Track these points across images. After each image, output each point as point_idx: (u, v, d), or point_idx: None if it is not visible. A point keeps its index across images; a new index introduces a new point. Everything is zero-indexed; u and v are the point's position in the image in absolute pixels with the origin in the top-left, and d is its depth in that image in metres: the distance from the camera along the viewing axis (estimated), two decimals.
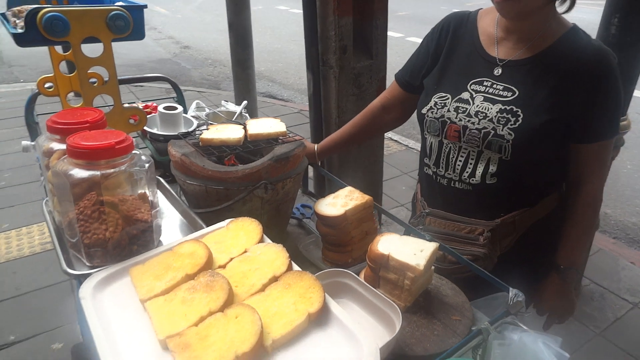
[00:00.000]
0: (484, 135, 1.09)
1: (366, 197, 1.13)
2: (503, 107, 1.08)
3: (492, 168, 1.12)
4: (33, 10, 1.04)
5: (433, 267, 1.02)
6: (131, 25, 1.16)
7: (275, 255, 0.82)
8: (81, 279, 0.83)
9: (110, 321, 0.73)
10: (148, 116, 1.67)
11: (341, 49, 2.21)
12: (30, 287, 2.44)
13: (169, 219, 1.13)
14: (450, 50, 1.21)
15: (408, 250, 0.96)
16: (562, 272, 1.20)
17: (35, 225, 2.96)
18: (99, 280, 0.81)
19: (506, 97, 1.09)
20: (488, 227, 1.14)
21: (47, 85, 1.49)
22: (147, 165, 0.89)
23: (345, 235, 1.11)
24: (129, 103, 1.73)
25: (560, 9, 1.09)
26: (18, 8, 1.26)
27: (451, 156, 1.18)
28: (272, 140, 1.18)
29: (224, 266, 0.83)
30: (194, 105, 1.87)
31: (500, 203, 1.15)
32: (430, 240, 1.01)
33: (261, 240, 0.88)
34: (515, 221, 1.16)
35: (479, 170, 1.13)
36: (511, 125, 1.06)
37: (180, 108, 1.59)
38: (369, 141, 2.34)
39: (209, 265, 0.81)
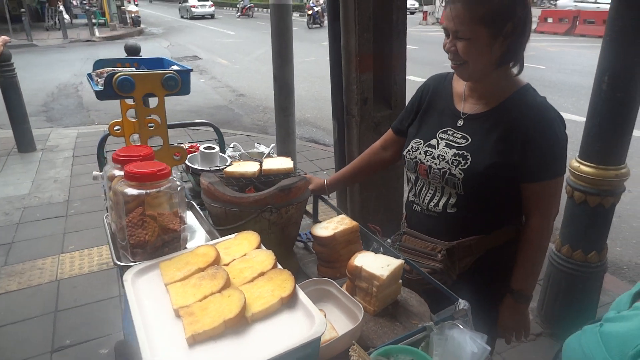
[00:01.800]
0: (442, 173, 1.34)
1: (353, 223, 1.38)
2: (457, 152, 1.33)
3: (452, 200, 1.36)
4: (111, 73, 1.42)
5: (401, 281, 1.23)
6: (179, 84, 1.52)
7: (265, 257, 1.08)
8: (126, 269, 1.12)
9: (142, 297, 1.01)
10: (192, 154, 2.03)
11: (362, 100, 2.52)
12: (87, 300, 2.82)
13: (198, 234, 1.43)
14: (429, 105, 1.47)
15: (377, 264, 1.19)
16: (514, 294, 1.39)
17: (95, 248, 3.39)
18: (138, 270, 1.10)
19: (461, 143, 1.34)
20: (445, 247, 1.37)
21: (116, 128, 1.87)
22: (179, 188, 1.20)
23: (334, 253, 1.35)
24: (178, 143, 2.10)
25: (514, 71, 1.33)
26: (100, 70, 1.67)
27: (423, 189, 1.44)
28: (280, 175, 1.46)
29: (227, 264, 1.09)
30: (231, 147, 2.21)
31: (459, 229, 1.38)
32: (398, 257, 1.23)
33: (258, 247, 1.15)
34: (472, 245, 1.37)
35: (442, 201, 1.38)
36: (461, 166, 1.31)
37: (216, 148, 1.93)
38: (372, 176, 2.53)
39: (216, 262, 1.08)
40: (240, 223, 1.34)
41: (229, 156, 2.04)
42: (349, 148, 2.67)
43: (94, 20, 19.58)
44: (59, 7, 19.94)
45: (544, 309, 2.54)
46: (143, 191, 1.15)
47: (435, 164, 1.36)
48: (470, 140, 1.32)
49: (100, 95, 1.45)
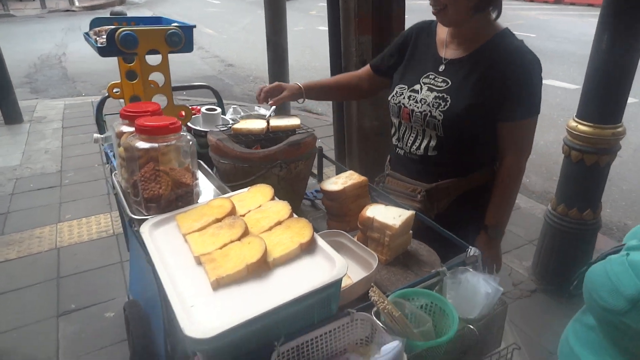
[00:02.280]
0: (424, 116, 1.40)
1: (362, 178, 1.40)
2: (437, 95, 1.38)
3: (432, 143, 1.42)
4: (113, 29, 1.39)
5: (411, 232, 1.26)
6: (183, 40, 1.49)
7: (281, 207, 1.09)
8: (140, 222, 1.13)
9: (161, 247, 1.02)
10: (193, 116, 2.01)
11: (361, 62, 2.50)
12: (88, 267, 2.82)
13: (207, 191, 1.43)
14: (413, 51, 1.52)
15: (389, 215, 1.21)
16: (488, 229, 1.47)
17: (93, 217, 3.38)
18: (154, 222, 1.10)
19: (441, 87, 1.39)
20: (424, 188, 1.46)
21: (115, 90, 1.85)
22: (190, 142, 1.20)
23: (343, 207, 1.37)
24: None
25: (493, 16, 1.36)
26: (98, 28, 1.63)
27: (405, 133, 1.50)
28: (288, 131, 1.46)
29: (243, 215, 1.11)
30: (231, 109, 2.19)
31: (438, 171, 1.46)
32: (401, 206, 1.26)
33: (272, 199, 1.16)
34: (449, 187, 1.45)
35: (423, 144, 1.45)
36: (441, 108, 1.36)
37: (218, 109, 1.92)
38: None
39: (232, 213, 1.09)
40: (250, 179, 1.35)
41: (230, 119, 2.02)
42: (348, 111, 2.67)
43: None
44: None
45: (539, 267, 2.61)
46: (155, 144, 1.14)
47: (417, 107, 1.42)
48: (450, 83, 1.38)
49: (102, 52, 1.42)
